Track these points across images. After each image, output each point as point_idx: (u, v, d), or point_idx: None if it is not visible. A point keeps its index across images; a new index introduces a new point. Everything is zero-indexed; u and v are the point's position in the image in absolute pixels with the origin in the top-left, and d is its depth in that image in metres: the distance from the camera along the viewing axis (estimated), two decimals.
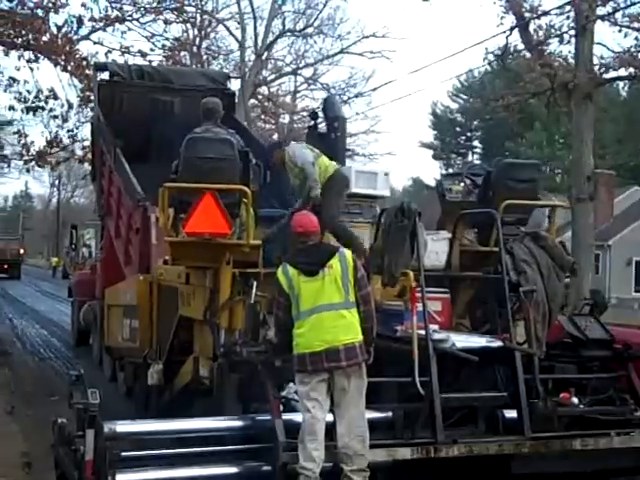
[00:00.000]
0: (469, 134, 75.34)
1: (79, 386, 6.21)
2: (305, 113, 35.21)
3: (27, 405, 11.39)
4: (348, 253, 6.53)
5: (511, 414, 7.21)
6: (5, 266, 53.08)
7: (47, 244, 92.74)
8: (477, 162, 48.52)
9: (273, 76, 38.39)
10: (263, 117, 38.85)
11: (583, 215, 19.75)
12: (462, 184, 9.41)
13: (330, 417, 6.33)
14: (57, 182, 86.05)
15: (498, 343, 7.45)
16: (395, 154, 73.90)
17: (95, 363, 14.48)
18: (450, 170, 56.10)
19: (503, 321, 7.57)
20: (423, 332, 7.02)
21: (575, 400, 7.52)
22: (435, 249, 8.74)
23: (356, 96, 39.55)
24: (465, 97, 71.77)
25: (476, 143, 75.60)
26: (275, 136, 35.07)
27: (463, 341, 7.37)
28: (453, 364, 7.32)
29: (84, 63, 18.97)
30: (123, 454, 6.21)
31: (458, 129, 74.73)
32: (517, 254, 7.85)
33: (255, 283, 7.37)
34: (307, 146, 9.23)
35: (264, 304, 7.24)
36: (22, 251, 57.06)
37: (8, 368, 14.75)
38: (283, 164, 9.07)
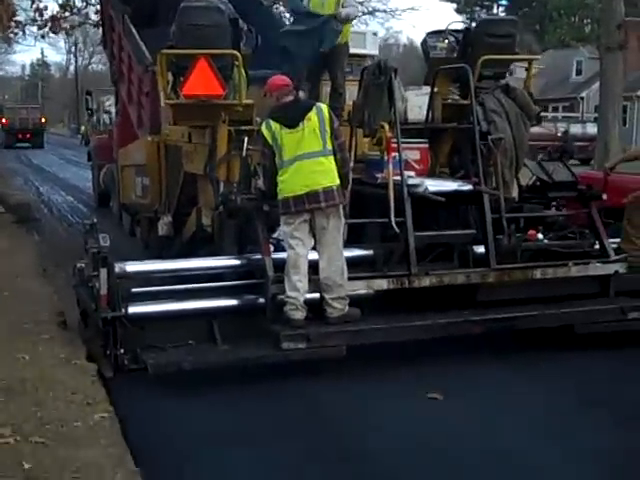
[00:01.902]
0: None
1: (92, 233, 7.02)
2: None
3: (58, 268, 11.56)
4: (324, 106, 7.16)
5: (481, 250, 7.87)
6: (28, 135, 53.05)
7: (67, 112, 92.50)
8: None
9: None
10: None
11: (612, 65, 19.32)
12: (446, 41, 9.92)
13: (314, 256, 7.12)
14: (73, 49, 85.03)
15: (468, 187, 8.12)
16: (417, 9, 71.70)
17: (115, 222, 15.02)
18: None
19: (475, 167, 8.23)
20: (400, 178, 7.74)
21: (540, 236, 8.29)
22: (418, 103, 9.35)
23: None
24: None
25: None
26: None
27: (436, 185, 8.01)
28: (430, 207, 8.03)
29: None
30: (133, 290, 7.06)
31: None
32: (488, 105, 8.45)
33: (246, 138, 7.99)
34: None
35: (255, 157, 7.89)
36: (44, 120, 57.12)
37: (37, 233, 15.09)
38: None
